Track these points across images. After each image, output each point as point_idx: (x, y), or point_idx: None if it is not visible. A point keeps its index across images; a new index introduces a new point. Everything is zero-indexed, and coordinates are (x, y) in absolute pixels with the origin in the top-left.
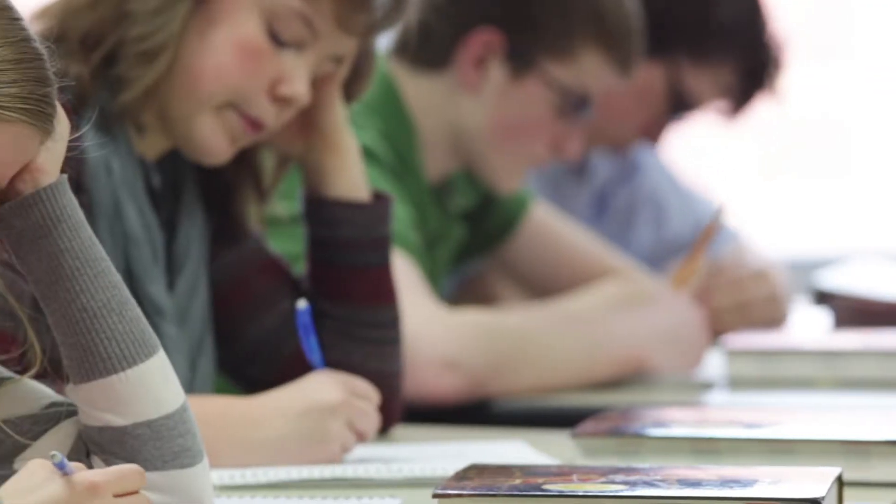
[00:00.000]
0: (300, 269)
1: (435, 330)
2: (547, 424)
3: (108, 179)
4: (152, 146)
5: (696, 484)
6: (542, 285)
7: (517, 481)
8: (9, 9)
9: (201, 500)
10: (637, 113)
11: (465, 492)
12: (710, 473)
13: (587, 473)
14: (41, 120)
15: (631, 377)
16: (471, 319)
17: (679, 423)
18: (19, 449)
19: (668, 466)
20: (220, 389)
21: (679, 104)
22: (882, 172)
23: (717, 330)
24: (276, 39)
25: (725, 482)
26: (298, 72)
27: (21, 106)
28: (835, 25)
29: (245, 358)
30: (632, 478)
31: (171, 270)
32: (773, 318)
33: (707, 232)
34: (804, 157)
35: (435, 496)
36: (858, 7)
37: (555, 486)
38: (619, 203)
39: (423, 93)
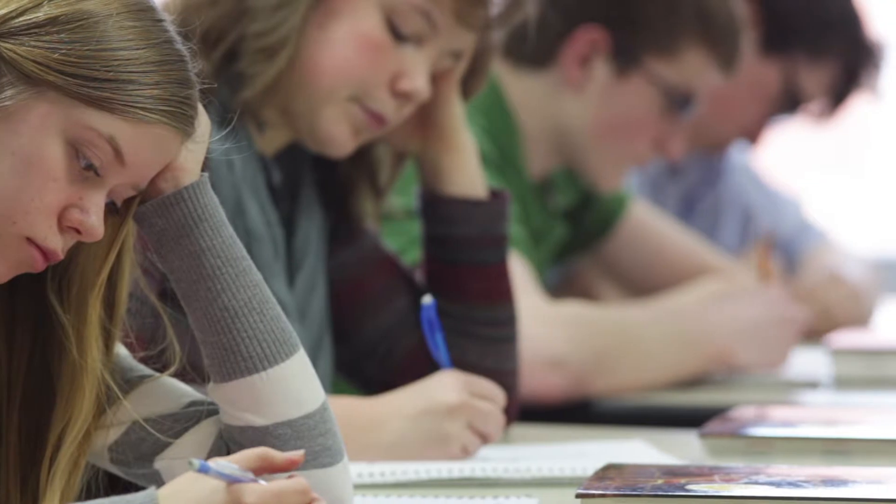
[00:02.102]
0: (407, 261)
1: (540, 329)
2: (646, 424)
3: (230, 176)
4: (271, 142)
5: (843, 483)
6: (641, 283)
7: (659, 481)
8: (152, 10)
9: (342, 500)
10: (746, 112)
11: (608, 492)
12: (854, 473)
13: (728, 474)
14: (182, 122)
15: (720, 374)
16: (575, 316)
17: (807, 423)
18: (160, 447)
19: (806, 466)
20: (335, 388)
21: (788, 103)
22: None
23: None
24: (396, 33)
25: (872, 482)
26: (418, 66)
27: (162, 108)
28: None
29: (361, 356)
30: (774, 478)
31: (291, 267)
32: (856, 316)
33: (765, 243)
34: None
35: (578, 496)
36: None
37: (699, 487)
38: (706, 205)
39: (526, 91)
